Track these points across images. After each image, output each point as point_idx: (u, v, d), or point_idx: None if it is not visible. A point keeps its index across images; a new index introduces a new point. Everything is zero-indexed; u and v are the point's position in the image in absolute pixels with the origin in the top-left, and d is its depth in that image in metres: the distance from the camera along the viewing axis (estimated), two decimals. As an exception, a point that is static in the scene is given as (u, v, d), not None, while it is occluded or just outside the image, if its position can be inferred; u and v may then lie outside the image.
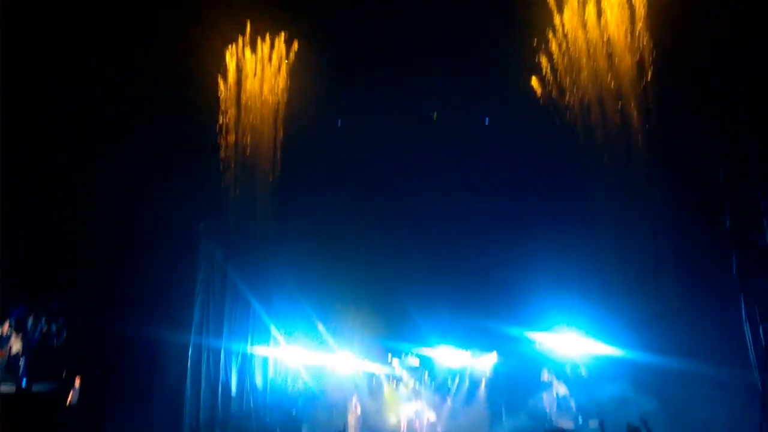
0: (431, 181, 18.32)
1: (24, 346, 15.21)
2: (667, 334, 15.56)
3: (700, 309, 15.32)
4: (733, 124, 14.78)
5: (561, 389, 18.52)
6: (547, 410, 17.82)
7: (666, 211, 16.43)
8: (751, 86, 14.22)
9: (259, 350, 17.20)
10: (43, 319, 15.35)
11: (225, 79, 17.80)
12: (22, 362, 14.92)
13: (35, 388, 13.77)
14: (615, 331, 16.86)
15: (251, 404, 16.50)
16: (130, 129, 15.66)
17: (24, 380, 14.22)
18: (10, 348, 14.73)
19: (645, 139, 16.76)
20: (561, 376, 18.43)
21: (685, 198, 16.24)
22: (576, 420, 16.60)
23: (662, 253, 16.45)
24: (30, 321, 15.21)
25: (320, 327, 18.14)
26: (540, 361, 19.27)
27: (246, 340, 16.96)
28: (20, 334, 14.87)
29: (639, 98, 16.87)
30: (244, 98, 17.92)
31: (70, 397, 14.39)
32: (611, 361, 16.93)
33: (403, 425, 19.82)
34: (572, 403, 17.96)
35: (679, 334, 15.46)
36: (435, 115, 17.98)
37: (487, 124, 18.21)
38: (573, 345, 18.18)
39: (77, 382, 14.63)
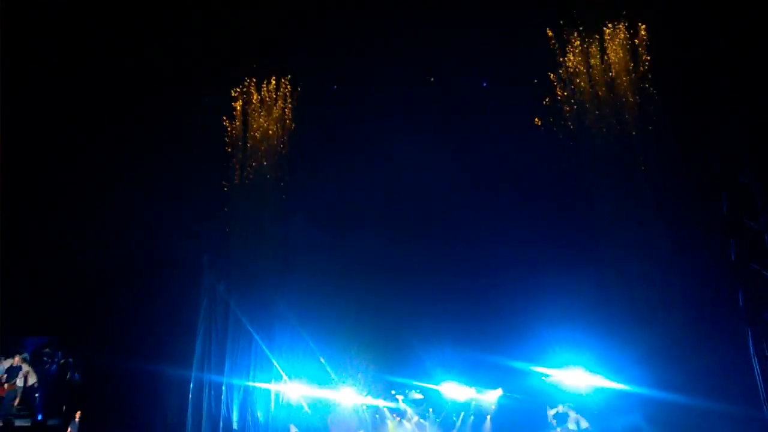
0: (439, 215, 18.27)
1: (40, 379, 15.36)
2: (675, 369, 15.31)
3: (708, 343, 15.09)
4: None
5: (582, 423, 18.32)
6: None
7: (670, 242, 16.27)
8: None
9: (261, 384, 17.13)
10: (60, 353, 15.52)
11: (230, 118, 18.14)
12: (37, 396, 15.07)
13: (50, 422, 13.90)
14: (622, 366, 16.60)
15: (252, 440, 16.41)
16: (135, 165, 15.96)
17: (39, 415, 14.36)
18: (26, 379, 14.86)
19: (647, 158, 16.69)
20: (581, 409, 18.20)
21: (690, 228, 16.12)
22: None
23: (668, 287, 16.26)
24: (46, 353, 15.40)
25: (323, 361, 18.07)
26: (547, 396, 19.04)
27: (248, 375, 16.92)
28: (34, 367, 15.03)
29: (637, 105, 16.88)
30: (249, 137, 18.22)
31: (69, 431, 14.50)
32: (623, 394, 16.64)
33: None
34: None
35: (687, 369, 15.22)
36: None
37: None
38: (580, 380, 17.92)
39: (77, 416, 14.73)
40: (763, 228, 14.34)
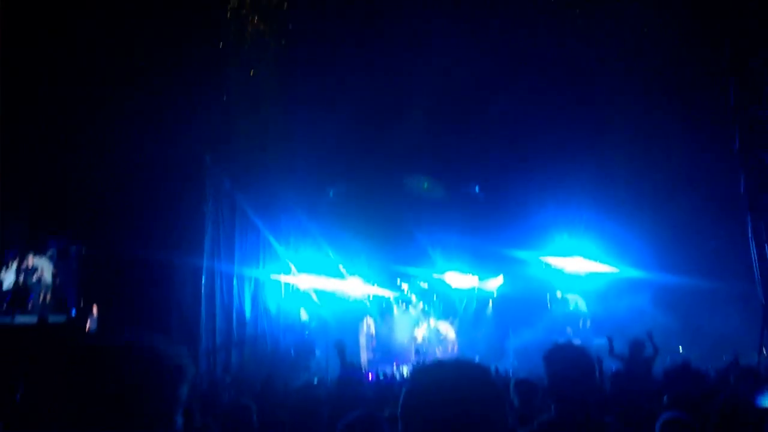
0: (442, 101, 17.90)
1: (71, 276, 15.57)
2: (680, 252, 15.82)
3: (712, 227, 15.48)
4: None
5: (581, 303, 19.04)
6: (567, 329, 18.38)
7: (677, 127, 16.29)
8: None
9: (270, 276, 17.49)
10: (83, 248, 15.64)
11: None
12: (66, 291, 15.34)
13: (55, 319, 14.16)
14: (626, 251, 17.09)
15: (265, 327, 16.92)
16: (136, 68, 15.40)
17: (74, 310, 14.64)
18: (55, 277, 15.03)
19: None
20: (580, 291, 18.90)
21: (696, 117, 16.12)
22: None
23: (673, 173, 16.46)
24: (73, 250, 15.50)
25: (330, 253, 18.39)
26: (546, 282, 19.72)
27: (257, 267, 17.22)
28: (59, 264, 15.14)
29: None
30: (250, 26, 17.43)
31: (88, 326, 14.81)
32: (625, 278, 17.23)
33: (419, 340, 20.42)
34: (588, 323, 18.50)
35: (690, 252, 15.71)
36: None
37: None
38: (580, 265, 18.49)
39: (95, 310, 15.03)
40: (768, 115, 14.34)
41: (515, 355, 18.10)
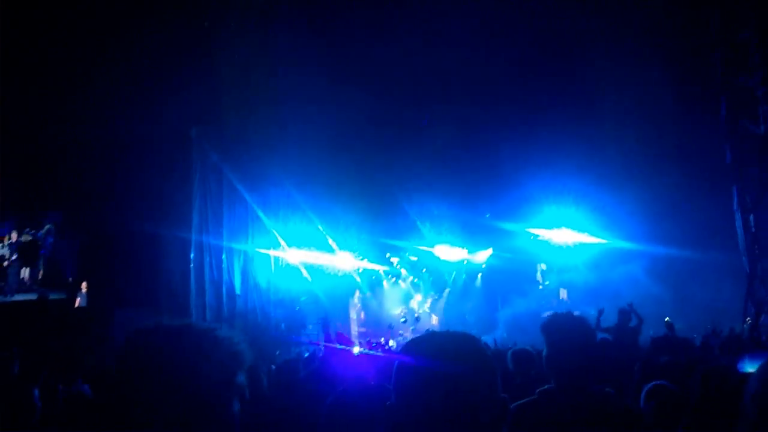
0: (429, 71, 17.76)
1: (65, 251, 15.59)
2: (668, 223, 15.97)
3: (700, 198, 15.61)
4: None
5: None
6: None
7: (666, 102, 16.33)
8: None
9: (260, 251, 17.47)
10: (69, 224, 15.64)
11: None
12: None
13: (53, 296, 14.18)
14: (614, 222, 17.24)
15: (255, 302, 16.95)
16: (123, 36, 15.16)
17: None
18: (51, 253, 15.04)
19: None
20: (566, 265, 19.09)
21: (684, 88, 16.14)
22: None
23: (663, 145, 16.53)
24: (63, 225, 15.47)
25: (320, 227, 18.36)
26: (534, 255, 19.86)
27: (246, 241, 17.17)
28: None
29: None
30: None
31: (78, 302, 14.81)
32: (617, 248, 17.41)
33: (402, 314, 20.60)
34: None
35: (678, 223, 15.86)
36: None
37: None
38: (568, 237, 18.62)
39: (83, 287, 15.01)
40: (755, 84, 14.35)
41: (505, 327, 18.29)
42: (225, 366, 1.34)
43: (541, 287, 20.17)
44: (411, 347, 1.40)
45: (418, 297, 21.42)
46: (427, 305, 21.20)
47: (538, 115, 17.15)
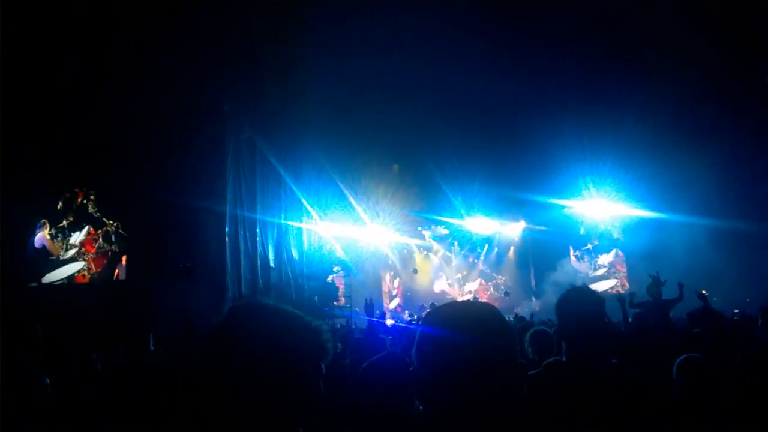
0: (461, 49, 17.55)
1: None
2: (696, 195, 15.60)
3: (741, 169, 15.24)
4: None
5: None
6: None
7: (707, 66, 15.83)
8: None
9: (293, 224, 17.64)
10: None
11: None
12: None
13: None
14: (644, 195, 16.91)
15: (289, 274, 17.18)
16: (158, 11, 15.24)
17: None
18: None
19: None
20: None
21: (727, 54, 15.62)
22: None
23: (704, 114, 16.10)
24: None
25: (352, 201, 18.44)
26: (568, 227, 19.62)
27: (280, 215, 17.35)
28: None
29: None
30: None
31: (117, 273, 15.18)
32: (650, 220, 17.10)
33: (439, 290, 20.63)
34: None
35: (720, 195, 15.50)
36: None
37: None
38: (602, 209, 18.35)
39: (124, 260, 15.38)
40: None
41: (537, 300, 18.23)
42: (313, 351, 1.38)
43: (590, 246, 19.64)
44: (430, 316, 1.44)
45: (450, 270, 21.41)
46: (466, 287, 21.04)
47: (575, 84, 16.84)
